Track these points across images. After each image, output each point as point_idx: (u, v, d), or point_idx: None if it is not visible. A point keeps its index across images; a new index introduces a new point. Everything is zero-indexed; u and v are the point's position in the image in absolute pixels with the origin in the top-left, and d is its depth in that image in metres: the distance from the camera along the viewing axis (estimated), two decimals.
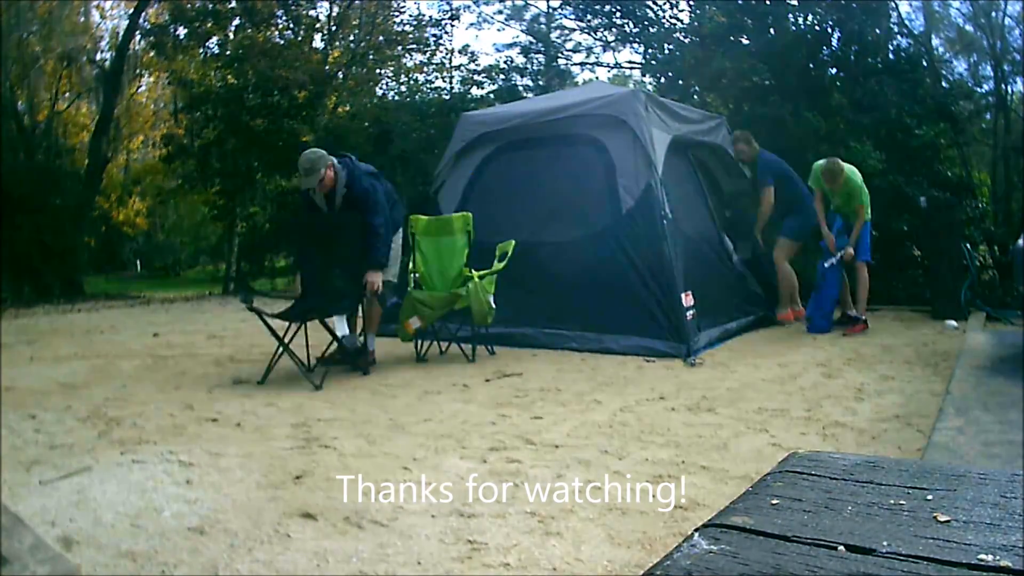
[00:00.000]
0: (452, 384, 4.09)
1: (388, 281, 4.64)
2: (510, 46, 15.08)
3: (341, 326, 4.37)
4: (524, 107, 6.63)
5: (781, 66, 8.05)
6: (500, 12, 15.11)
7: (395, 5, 13.34)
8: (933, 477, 0.70)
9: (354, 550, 1.96)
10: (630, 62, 13.37)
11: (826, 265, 5.63)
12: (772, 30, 8.31)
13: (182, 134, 13.61)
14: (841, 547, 0.55)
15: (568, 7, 12.79)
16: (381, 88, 13.60)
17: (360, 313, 4.72)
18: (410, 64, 13.98)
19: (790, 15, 8.42)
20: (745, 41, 8.52)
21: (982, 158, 8.70)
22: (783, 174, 6.18)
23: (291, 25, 12.71)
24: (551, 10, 14.40)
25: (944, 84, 8.46)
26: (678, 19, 10.51)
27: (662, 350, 4.73)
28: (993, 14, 8.41)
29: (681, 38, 9.68)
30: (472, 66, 13.44)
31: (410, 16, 13.69)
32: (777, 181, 6.13)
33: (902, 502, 0.64)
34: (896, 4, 8.71)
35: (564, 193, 5.50)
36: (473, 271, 4.81)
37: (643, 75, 11.78)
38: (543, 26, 14.65)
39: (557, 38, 14.31)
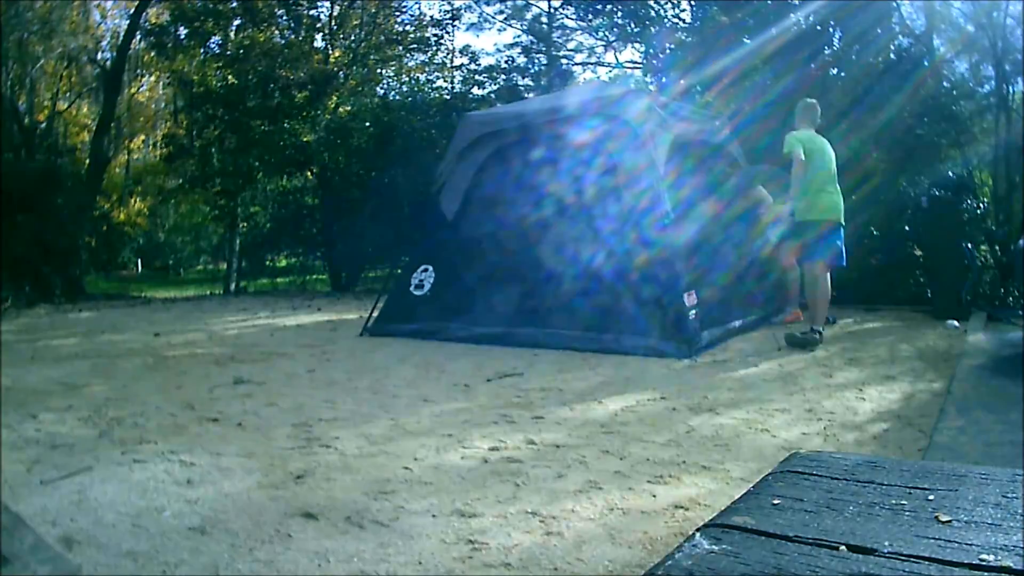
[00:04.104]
0: (453, 384, 4.09)
1: None
2: (511, 46, 15.07)
3: None
4: (525, 107, 6.63)
5: (782, 66, 8.03)
6: (501, 12, 15.13)
7: (396, 5, 13.35)
8: (934, 477, 0.70)
9: (355, 550, 1.96)
10: (631, 62, 13.36)
11: None
12: (773, 30, 8.29)
13: (183, 134, 13.63)
14: (842, 547, 0.55)
15: (569, 7, 12.81)
16: (382, 88, 13.60)
17: None
18: (411, 64, 14.00)
19: (791, 15, 8.40)
20: (746, 41, 8.51)
21: (983, 158, 8.66)
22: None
23: (292, 25, 12.72)
24: (552, 10, 14.41)
25: (945, 84, 8.43)
26: (679, 19, 10.51)
27: (664, 349, 4.72)
28: (995, 14, 8.37)
29: (682, 38, 9.67)
30: (473, 66, 13.48)
31: (411, 16, 13.72)
32: None
33: (903, 502, 0.64)
34: (898, 4, 8.69)
35: (565, 192, 5.50)
36: None
37: (644, 75, 11.79)
38: (544, 26, 14.66)
39: (558, 38, 14.33)
